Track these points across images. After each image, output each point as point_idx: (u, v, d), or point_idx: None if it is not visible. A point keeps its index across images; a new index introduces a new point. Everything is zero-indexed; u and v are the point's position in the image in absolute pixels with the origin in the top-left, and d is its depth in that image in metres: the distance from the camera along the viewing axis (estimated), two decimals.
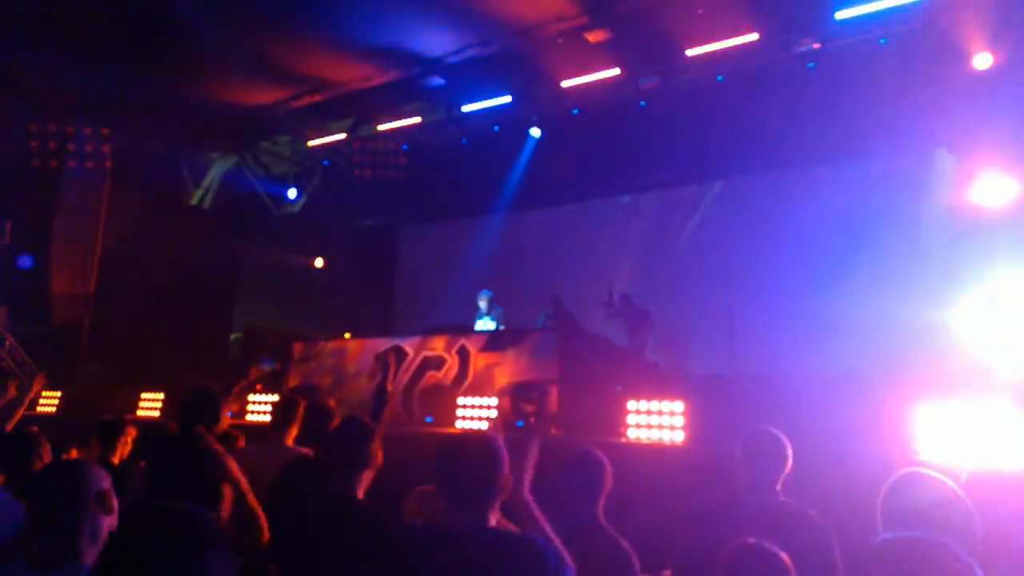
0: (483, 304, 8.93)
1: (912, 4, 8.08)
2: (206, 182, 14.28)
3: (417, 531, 2.22)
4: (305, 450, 3.78)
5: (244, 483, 3.24)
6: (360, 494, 2.72)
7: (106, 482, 1.92)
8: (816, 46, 8.76)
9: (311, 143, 12.72)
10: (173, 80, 10.61)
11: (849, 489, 3.77)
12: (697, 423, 5.48)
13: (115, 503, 1.90)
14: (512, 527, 2.27)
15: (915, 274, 8.57)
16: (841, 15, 8.41)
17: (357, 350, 8.99)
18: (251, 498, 3.23)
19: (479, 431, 2.56)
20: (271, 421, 4.22)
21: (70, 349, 10.45)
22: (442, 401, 7.49)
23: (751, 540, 1.99)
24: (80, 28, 8.86)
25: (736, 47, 9.02)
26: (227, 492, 3.16)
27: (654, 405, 5.80)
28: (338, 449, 2.78)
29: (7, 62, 9.17)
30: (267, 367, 8.81)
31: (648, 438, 5.71)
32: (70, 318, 10.40)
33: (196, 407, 3.52)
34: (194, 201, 14.12)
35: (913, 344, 7.85)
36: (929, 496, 2.10)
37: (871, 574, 1.72)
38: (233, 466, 3.25)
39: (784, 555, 1.93)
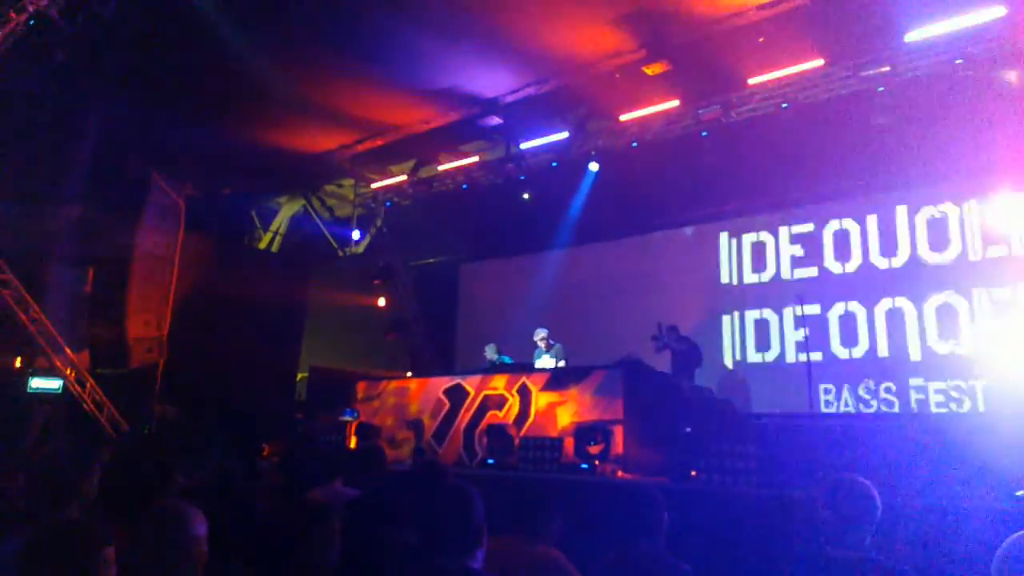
0: (540, 341, 8.78)
1: (988, 22, 7.71)
2: (275, 226, 14.76)
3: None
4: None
5: None
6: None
7: (204, 545, 2.01)
8: (885, 69, 8.45)
9: (374, 185, 13.00)
10: (242, 128, 11.04)
11: (946, 542, 3.46)
12: (773, 467, 5.17)
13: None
14: None
15: (999, 304, 8.03)
16: (911, 37, 8.10)
17: (418, 389, 8.97)
18: None
19: (457, 481, 2.49)
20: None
21: (145, 391, 10.81)
22: (504, 442, 7.34)
23: None
24: (156, 81, 9.31)
25: (800, 74, 8.80)
26: None
27: (725, 447, 5.51)
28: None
29: (88, 114, 9.71)
30: (349, 418, 8.87)
31: (722, 482, 5.41)
32: (145, 361, 10.78)
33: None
34: (263, 244, 14.59)
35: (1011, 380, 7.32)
36: None
37: None
38: None
39: None
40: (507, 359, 9.20)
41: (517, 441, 7.23)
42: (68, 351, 10.09)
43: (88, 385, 10.09)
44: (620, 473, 6.41)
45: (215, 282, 12.01)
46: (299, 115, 10.66)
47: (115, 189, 10.94)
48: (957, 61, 8.05)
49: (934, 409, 7.81)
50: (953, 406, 7.60)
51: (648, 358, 8.49)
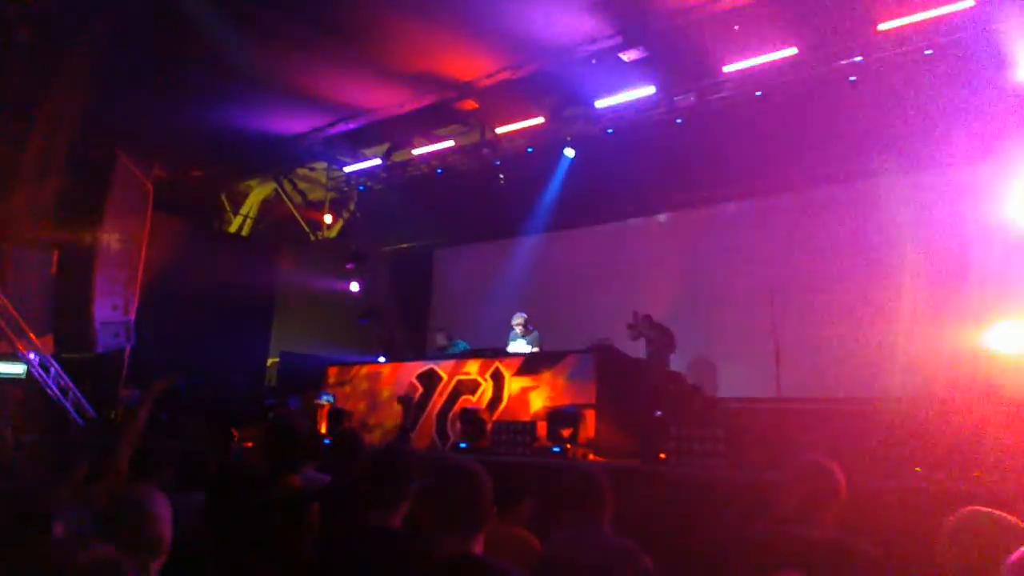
0: (518, 326, 8.82)
1: (958, 13, 7.82)
2: (245, 209, 14.54)
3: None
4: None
5: None
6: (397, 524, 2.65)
7: (166, 530, 1.91)
8: (858, 59, 8.54)
9: (347, 169, 12.86)
10: (213, 111, 10.83)
11: (905, 521, 3.54)
12: (740, 450, 5.25)
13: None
14: None
15: (963, 291, 8.21)
16: (883, 27, 8.19)
17: (391, 374, 8.95)
18: None
19: (464, 459, 2.41)
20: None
21: (111, 376, 10.63)
22: (477, 426, 7.36)
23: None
24: (123, 61, 9.09)
25: (775, 62, 8.85)
26: None
27: (694, 430, 5.58)
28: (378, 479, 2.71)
29: (54, 93, 9.46)
30: (324, 401, 8.84)
31: (689, 465, 5.48)
32: (112, 345, 10.59)
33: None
34: (233, 228, 14.38)
35: (964, 365, 7.47)
36: (998, 541, 1.87)
37: None
38: None
39: None
40: (462, 344, 9.25)
41: (490, 425, 7.26)
42: (32, 335, 9.88)
43: (52, 370, 9.90)
44: (592, 456, 6.47)
45: (184, 266, 11.82)
46: (271, 97, 10.48)
47: (81, 171, 10.68)
48: (927, 52, 8.16)
49: (898, 393, 7.96)
50: (912, 389, 7.74)
51: (622, 344, 8.57)
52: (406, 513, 2.64)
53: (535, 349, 8.58)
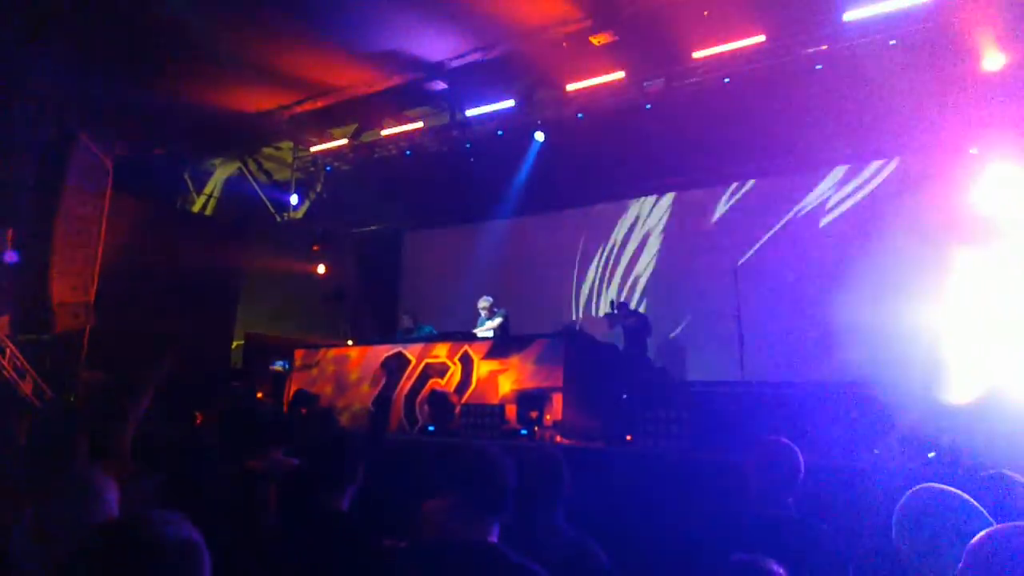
0: (483, 309, 8.84)
1: (922, 5, 7.96)
2: (208, 189, 14.24)
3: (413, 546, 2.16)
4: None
5: None
6: (344, 507, 2.64)
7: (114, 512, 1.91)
8: (823, 48, 8.64)
9: (314, 149, 12.65)
10: (175, 86, 10.55)
11: (863, 502, 3.65)
12: (704, 431, 5.35)
13: None
14: None
15: (925, 278, 8.41)
16: (849, 16, 8.30)
17: (359, 357, 8.90)
18: None
19: (486, 444, 2.34)
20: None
21: (70, 357, 10.37)
22: (445, 409, 7.37)
23: (744, 556, 1.85)
24: (81, 34, 8.81)
25: (743, 49, 8.91)
26: None
27: (660, 413, 5.66)
28: (325, 462, 2.69)
29: (8, 68, 9.14)
30: (280, 367, 8.78)
31: (654, 446, 5.57)
32: (71, 326, 10.31)
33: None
34: (196, 208, 14.08)
35: (923, 351, 7.67)
36: (949, 517, 1.95)
37: None
38: None
39: (781, 571, 1.79)
40: (428, 328, 9.26)
41: (458, 408, 7.28)
42: None
43: (8, 351, 9.62)
44: (558, 438, 6.53)
45: (146, 246, 11.55)
46: (235, 73, 10.22)
47: (37, 146, 10.34)
48: (891, 42, 8.29)
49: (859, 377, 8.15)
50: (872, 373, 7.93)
51: (590, 328, 8.64)
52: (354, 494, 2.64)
53: (499, 320, 8.62)
